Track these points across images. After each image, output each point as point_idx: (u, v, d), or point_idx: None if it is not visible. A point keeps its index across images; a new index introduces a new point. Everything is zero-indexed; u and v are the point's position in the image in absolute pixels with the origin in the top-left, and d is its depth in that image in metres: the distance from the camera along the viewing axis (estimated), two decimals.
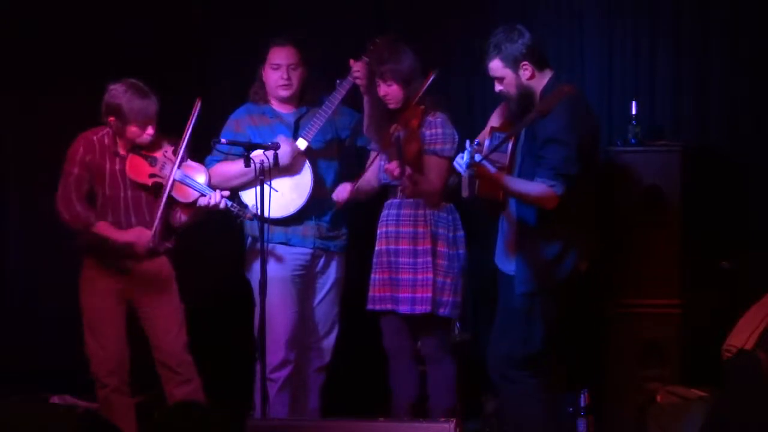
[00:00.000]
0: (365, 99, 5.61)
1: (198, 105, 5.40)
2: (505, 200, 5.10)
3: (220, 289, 6.18)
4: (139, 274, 5.48)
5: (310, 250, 5.72)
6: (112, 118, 5.40)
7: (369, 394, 6.08)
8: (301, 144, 5.64)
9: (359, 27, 6.24)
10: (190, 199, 5.47)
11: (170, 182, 5.40)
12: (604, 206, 5.63)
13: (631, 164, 5.88)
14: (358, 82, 5.55)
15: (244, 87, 5.85)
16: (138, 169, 5.45)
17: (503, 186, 4.95)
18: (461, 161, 4.81)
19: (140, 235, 5.40)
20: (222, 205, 5.42)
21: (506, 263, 5.15)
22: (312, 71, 5.79)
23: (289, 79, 5.69)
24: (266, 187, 5.34)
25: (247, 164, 5.34)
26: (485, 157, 4.87)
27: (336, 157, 5.79)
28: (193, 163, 5.54)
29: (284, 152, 5.51)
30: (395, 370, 5.64)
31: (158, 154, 5.47)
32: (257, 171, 5.34)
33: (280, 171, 5.54)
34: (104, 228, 5.42)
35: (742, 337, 5.09)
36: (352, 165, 5.82)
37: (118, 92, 5.37)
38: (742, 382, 4.92)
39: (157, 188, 5.44)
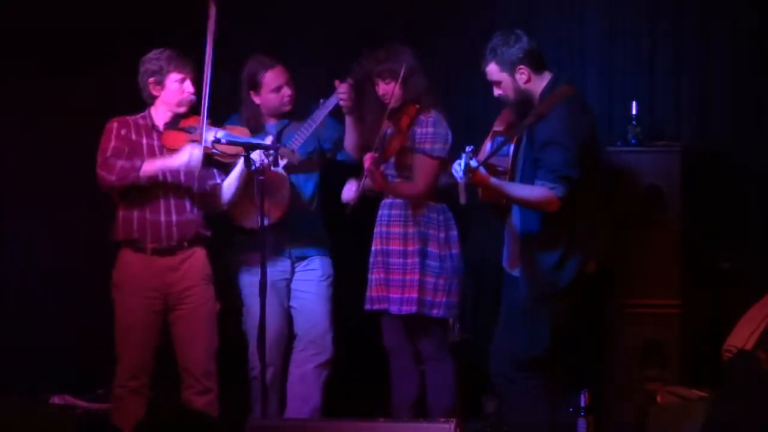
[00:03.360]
0: (347, 119, 5.60)
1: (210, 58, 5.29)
2: (507, 205, 5.09)
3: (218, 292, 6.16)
4: (177, 270, 5.42)
5: (287, 259, 5.71)
6: (151, 79, 5.42)
7: (369, 394, 6.08)
8: None
9: (345, 42, 6.19)
10: (231, 152, 5.37)
11: (204, 127, 5.30)
12: (604, 206, 5.63)
13: (631, 164, 5.88)
14: (342, 103, 5.54)
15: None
16: (175, 139, 5.41)
17: (502, 193, 4.92)
18: (458, 167, 4.76)
19: (190, 151, 5.30)
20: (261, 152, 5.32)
21: (512, 268, 5.13)
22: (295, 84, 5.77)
23: (291, 94, 5.69)
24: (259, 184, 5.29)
25: (247, 164, 5.31)
26: (486, 161, 4.83)
27: (316, 169, 5.77)
28: (237, 127, 5.53)
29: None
30: (395, 370, 5.65)
31: (195, 124, 5.41)
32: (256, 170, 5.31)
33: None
34: (151, 164, 5.33)
35: (742, 337, 5.09)
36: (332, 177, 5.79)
37: (153, 54, 5.44)
38: (742, 383, 4.92)
39: None
